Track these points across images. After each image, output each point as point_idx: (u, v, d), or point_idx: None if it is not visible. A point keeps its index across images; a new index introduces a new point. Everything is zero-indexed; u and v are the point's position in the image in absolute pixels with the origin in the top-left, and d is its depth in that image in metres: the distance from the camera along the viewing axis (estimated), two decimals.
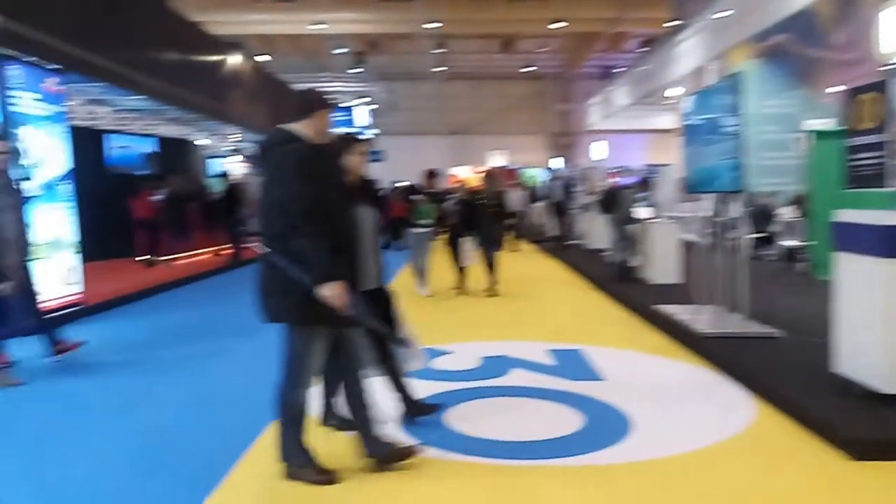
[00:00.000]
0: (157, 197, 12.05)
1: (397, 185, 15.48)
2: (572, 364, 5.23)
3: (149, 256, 11.76)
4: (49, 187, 7.01)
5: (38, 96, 6.90)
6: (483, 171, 8.41)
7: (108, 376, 5.15)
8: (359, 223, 3.43)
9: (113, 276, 9.82)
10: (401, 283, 8.20)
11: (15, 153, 5.40)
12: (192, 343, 6.25)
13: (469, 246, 7.73)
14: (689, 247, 9.25)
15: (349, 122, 26.07)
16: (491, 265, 8.38)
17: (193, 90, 10.85)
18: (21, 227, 5.16)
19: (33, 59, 6.87)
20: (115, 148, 13.12)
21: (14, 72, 6.57)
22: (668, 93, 17.82)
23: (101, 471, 3.38)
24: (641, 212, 9.09)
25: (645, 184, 9.33)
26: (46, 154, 6.99)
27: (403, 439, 3.47)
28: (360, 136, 3.64)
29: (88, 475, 3.32)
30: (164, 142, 14.70)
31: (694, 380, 4.84)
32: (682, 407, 4.21)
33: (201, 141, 17.06)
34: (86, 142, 11.66)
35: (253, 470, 3.34)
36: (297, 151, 3.02)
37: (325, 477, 3.14)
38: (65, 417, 4.27)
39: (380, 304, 3.78)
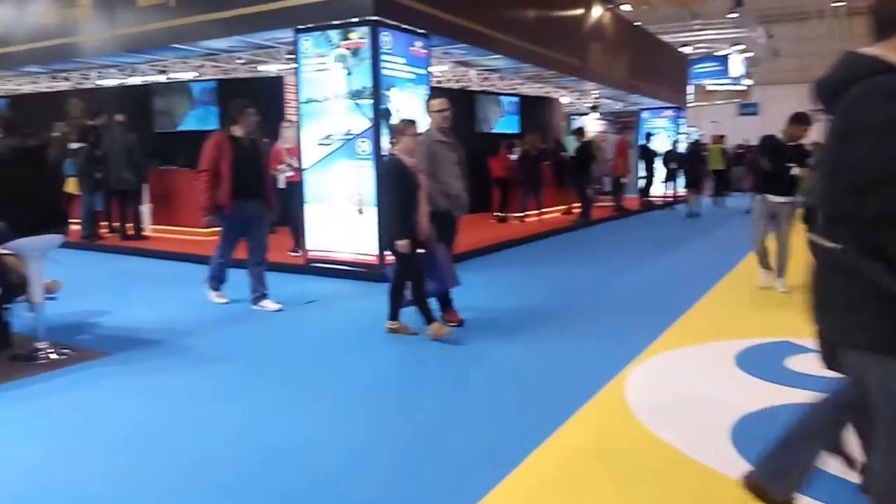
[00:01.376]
0: (513, 156, 12.44)
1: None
2: None
3: (501, 213, 12.28)
4: None
5: (404, 60, 7.41)
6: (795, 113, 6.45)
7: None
8: None
9: (465, 231, 10.38)
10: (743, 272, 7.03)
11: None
12: (524, 304, 6.17)
13: None
14: None
15: (723, 73, 23.85)
16: None
17: (551, 47, 10.75)
18: (462, 184, 5.42)
19: (402, 24, 7.36)
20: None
21: (385, 37, 7.13)
22: None
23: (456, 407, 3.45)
24: None
25: None
26: (411, 115, 7.50)
27: None
28: None
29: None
30: (526, 100, 15.13)
31: None
32: None
33: (564, 98, 17.21)
34: (454, 102, 12.50)
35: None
36: (883, 88, 1.77)
37: None
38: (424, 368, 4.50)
39: None
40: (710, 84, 25.31)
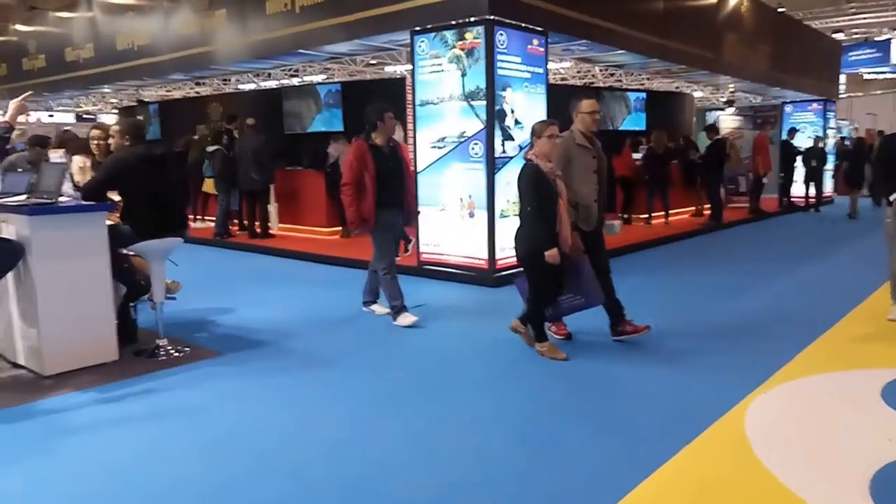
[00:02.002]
0: (638, 154, 11.89)
1: None
2: None
3: (624, 215, 11.77)
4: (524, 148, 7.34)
5: (520, 59, 7.20)
6: None
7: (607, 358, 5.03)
8: None
9: None
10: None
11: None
12: (643, 317, 5.76)
13: None
14: None
15: (882, 60, 21.75)
16: None
17: (680, 39, 10.13)
18: (596, 195, 4.80)
19: (519, 22, 7.16)
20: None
21: (501, 37, 6.96)
22: None
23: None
24: None
25: None
26: (526, 115, 7.30)
27: None
28: None
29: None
30: (654, 96, 14.42)
31: None
32: None
33: (698, 93, 16.30)
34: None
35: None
36: None
37: None
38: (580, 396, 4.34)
39: None
40: (867, 73, 23.13)
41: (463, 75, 7.07)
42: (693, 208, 12.92)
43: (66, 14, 12.98)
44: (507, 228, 7.07)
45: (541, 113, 7.46)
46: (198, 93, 14.99)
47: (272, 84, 13.61)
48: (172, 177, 4.88)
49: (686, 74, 12.24)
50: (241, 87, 14.26)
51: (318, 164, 10.67)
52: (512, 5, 7.03)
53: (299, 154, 11.78)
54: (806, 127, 15.85)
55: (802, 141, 14.84)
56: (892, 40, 21.03)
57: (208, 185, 11.34)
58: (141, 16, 11.16)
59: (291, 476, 2.98)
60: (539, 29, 7.44)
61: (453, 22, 7.05)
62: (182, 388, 4.12)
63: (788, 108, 16.60)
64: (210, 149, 10.77)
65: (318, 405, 3.86)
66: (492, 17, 6.81)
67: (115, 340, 4.57)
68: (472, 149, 7.06)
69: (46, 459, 3.18)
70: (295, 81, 13.28)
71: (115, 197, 4.79)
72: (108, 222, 4.60)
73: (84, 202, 4.46)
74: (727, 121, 15.42)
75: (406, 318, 5.54)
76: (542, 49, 7.52)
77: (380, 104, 5.50)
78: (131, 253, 4.83)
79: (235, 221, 11.07)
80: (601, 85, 13.81)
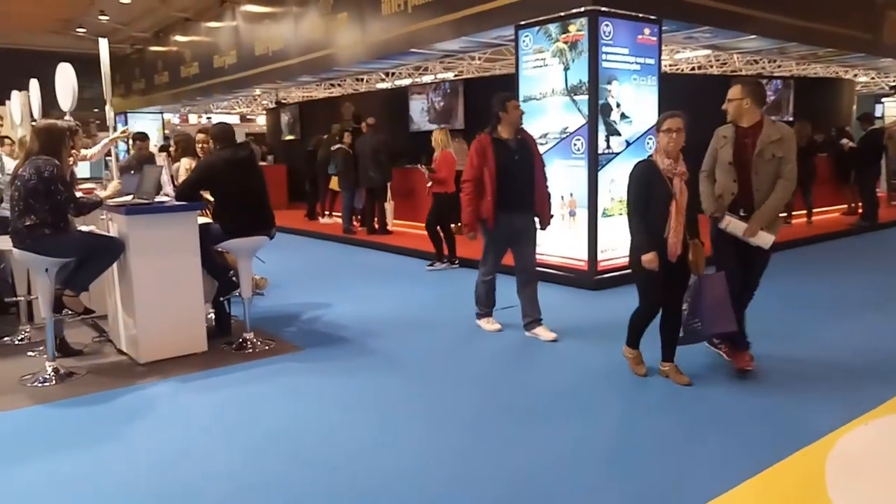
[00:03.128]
0: None
1: None
2: None
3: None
4: (637, 144, 6.95)
5: (627, 50, 6.81)
6: None
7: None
8: None
9: None
10: None
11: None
12: (756, 329, 5.23)
13: None
14: None
15: None
16: None
17: (826, 20, 9.12)
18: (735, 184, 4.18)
19: (626, 11, 6.77)
20: None
21: (606, 27, 6.62)
22: None
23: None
24: None
25: None
26: (635, 109, 6.91)
27: None
28: None
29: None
30: (802, 83, 13.17)
31: None
32: None
33: (862, 77, 14.74)
34: (710, 90, 11.31)
35: None
36: None
37: None
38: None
39: None
40: None
41: (566, 69, 6.81)
42: (845, 206, 11.66)
43: (215, 24, 14.03)
44: (610, 228, 6.75)
45: (652, 106, 7.05)
46: (339, 93, 15.65)
47: (405, 82, 13.87)
48: (258, 178, 5.06)
49: (838, 58, 11.04)
50: (377, 86, 14.68)
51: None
52: None
53: (421, 152, 11.93)
54: None
55: None
56: None
57: (334, 183, 11.80)
58: (275, 22, 11.83)
59: (314, 479, 2.98)
60: (652, 17, 7.01)
61: (561, 14, 6.80)
62: (252, 383, 4.28)
63: None
64: (333, 147, 11.20)
65: (373, 410, 3.82)
66: (597, 8, 6.49)
67: (204, 332, 4.86)
68: (574, 145, 6.79)
69: (109, 444, 3.41)
70: (425, 79, 13.47)
71: (208, 197, 5.09)
72: (202, 220, 4.89)
73: (176, 202, 4.77)
74: (893, 108, 13.74)
75: (489, 324, 5.40)
76: (654, 38, 7.07)
77: (503, 94, 5.10)
78: (224, 250, 5.11)
79: (359, 217, 11.43)
80: (742, 73, 12.80)
